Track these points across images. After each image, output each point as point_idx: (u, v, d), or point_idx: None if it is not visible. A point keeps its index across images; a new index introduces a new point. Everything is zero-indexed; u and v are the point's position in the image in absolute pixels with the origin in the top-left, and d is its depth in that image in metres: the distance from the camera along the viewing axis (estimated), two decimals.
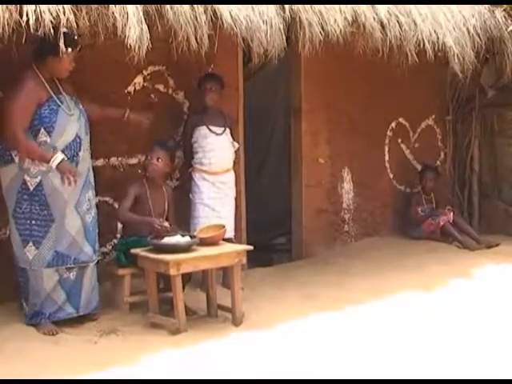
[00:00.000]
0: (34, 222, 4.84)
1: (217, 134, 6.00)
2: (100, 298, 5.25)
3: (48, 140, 4.81)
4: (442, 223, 7.80)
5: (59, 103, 4.87)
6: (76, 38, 4.76)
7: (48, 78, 4.88)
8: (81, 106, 5.06)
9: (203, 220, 5.84)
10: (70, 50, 4.74)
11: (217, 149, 6.00)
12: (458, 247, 7.64)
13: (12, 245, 4.97)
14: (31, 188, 4.83)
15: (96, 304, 5.19)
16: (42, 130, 4.80)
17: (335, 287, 6.03)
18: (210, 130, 5.98)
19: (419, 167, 8.33)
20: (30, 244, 4.85)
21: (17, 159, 4.83)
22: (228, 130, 6.09)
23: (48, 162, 4.76)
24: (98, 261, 5.25)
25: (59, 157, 4.77)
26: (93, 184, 5.18)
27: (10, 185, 4.88)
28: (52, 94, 4.87)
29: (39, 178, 4.83)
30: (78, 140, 4.94)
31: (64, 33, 4.42)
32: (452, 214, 7.91)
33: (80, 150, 4.95)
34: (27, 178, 4.82)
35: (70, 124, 4.89)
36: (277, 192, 7.87)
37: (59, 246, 4.90)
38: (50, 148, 4.81)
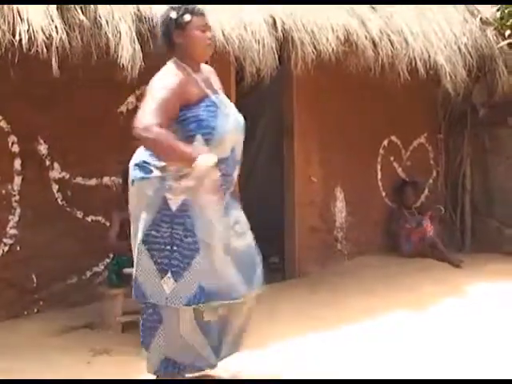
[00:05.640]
0: (175, 248, 3.88)
1: None
2: (92, 318, 5.22)
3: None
4: (427, 229, 7.86)
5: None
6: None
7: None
8: None
9: None
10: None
11: None
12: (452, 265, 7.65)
13: (134, 276, 4.00)
14: (173, 208, 3.88)
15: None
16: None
17: (329, 306, 6.01)
18: None
19: None
20: (169, 275, 3.90)
21: (158, 172, 3.90)
22: None
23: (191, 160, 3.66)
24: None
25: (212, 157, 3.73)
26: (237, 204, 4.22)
27: (146, 203, 3.91)
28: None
29: (183, 196, 3.88)
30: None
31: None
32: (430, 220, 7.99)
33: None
34: (169, 196, 3.88)
35: None
36: (263, 210, 7.83)
37: (204, 280, 3.92)
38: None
